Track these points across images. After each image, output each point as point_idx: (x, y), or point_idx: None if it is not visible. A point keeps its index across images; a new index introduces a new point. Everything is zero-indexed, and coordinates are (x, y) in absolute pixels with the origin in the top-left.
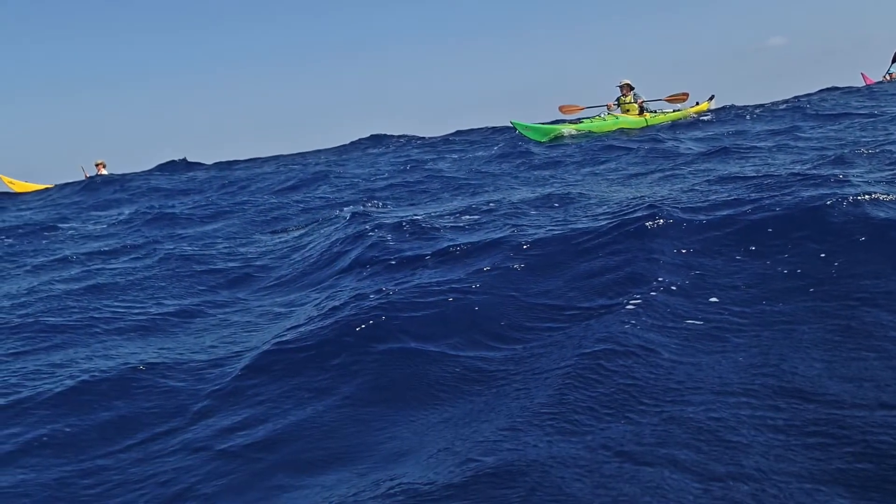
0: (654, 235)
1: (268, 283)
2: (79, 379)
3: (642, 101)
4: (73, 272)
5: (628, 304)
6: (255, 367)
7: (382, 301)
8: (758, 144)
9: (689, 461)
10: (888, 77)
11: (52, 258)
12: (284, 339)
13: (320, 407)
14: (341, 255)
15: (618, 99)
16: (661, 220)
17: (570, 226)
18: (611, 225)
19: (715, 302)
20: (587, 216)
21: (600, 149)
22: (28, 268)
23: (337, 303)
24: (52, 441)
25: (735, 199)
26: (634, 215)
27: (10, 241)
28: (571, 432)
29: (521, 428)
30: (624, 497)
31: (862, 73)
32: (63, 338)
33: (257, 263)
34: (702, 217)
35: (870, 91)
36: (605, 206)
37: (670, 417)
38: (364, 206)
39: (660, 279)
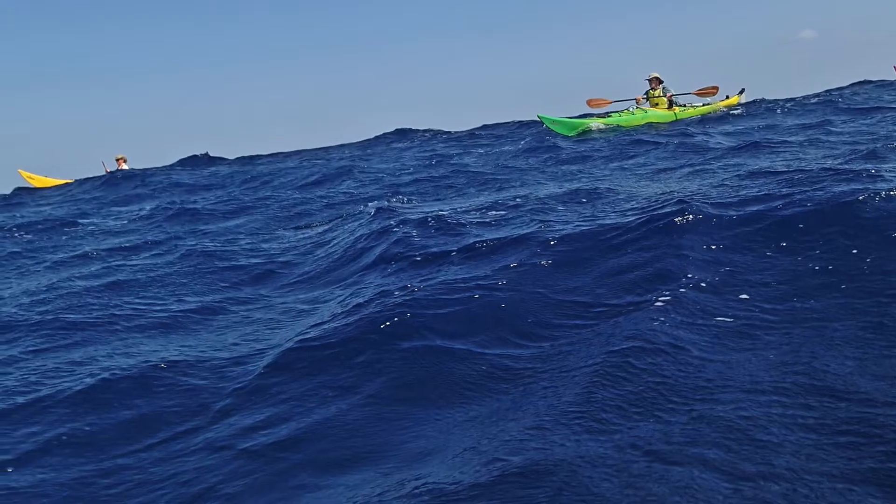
0: (683, 231)
1: (291, 279)
2: (99, 377)
3: (671, 95)
4: (93, 268)
5: (657, 300)
6: (278, 365)
7: (407, 298)
8: (789, 139)
9: (719, 460)
10: None
11: (71, 254)
12: (308, 336)
13: (344, 405)
14: (366, 251)
15: (646, 93)
16: (691, 216)
17: (598, 221)
18: (639, 221)
19: (745, 299)
20: (615, 212)
21: (629, 143)
22: (48, 264)
23: (361, 300)
24: (71, 440)
25: (766, 194)
26: (663, 211)
27: (29, 236)
28: (599, 431)
29: (549, 427)
30: (653, 497)
31: (894, 67)
32: (83, 335)
33: (280, 260)
34: (732, 212)
35: None
36: (634, 202)
37: (700, 416)
38: (389, 201)
39: (689, 275)
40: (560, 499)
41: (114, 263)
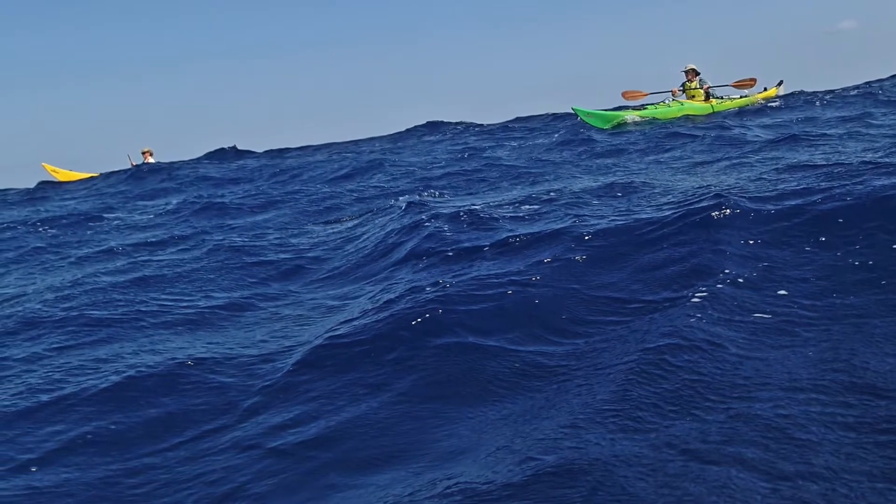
0: (720, 226)
1: (320, 275)
2: (125, 374)
3: (708, 87)
4: (118, 264)
5: (694, 296)
6: (307, 363)
7: (439, 294)
8: (828, 132)
9: (756, 460)
10: None
11: (97, 249)
12: (338, 333)
13: (375, 403)
14: (397, 246)
15: (683, 84)
16: (728, 210)
17: (633, 216)
18: (676, 215)
19: (783, 295)
20: (651, 206)
21: (665, 136)
22: (72, 259)
23: (392, 295)
24: (96, 439)
25: (804, 188)
26: (700, 205)
27: (53, 231)
28: (635, 430)
29: (583, 425)
30: (689, 497)
31: None
32: (108, 332)
33: (309, 255)
34: (770, 207)
35: None
36: (670, 196)
37: (737, 414)
38: (420, 195)
39: (726, 271)
40: (595, 499)
41: (140, 259)
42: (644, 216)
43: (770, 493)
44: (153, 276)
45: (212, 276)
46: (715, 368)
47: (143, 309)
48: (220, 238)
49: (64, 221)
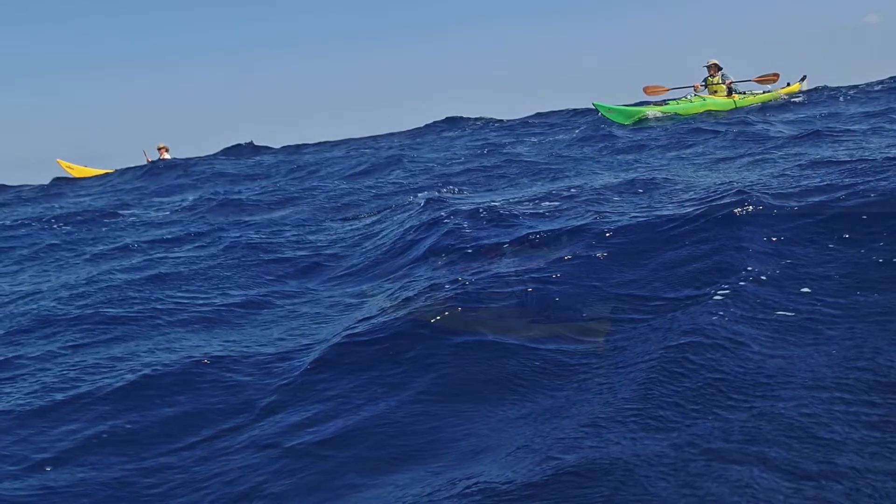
0: (743, 223)
1: (338, 272)
2: (140, 373)
3: (731, 82)
4: (134, 261)
5: (716, 294)
6: (325, 361)
7: (458, 291)
8: (852, 127)
9: (779, 459)
10: None
11: (112, 246)
12: (356, 331)
13: (393, 402)
14: (415, 243)
15: (705, 80)
16: (751, 207)
17: (654, 213)
18: (698, 212)
19: (807, 292)
20: (673, 202)
21: (687, 132)
22: (87, 256)
23: (411, 293)
24: (112, 438)
25: (828, 184)
26: (722, 202)
27: (68, 228)
28: (656, 429)
29: (604, 424)
30: (711, 497)
31: None
32: (124, 330)
33: (327, 252)
34: (793, 203)
35: None
36: (692, 192)
37: (760, 413)
38: (439, 191)
39: (749, 268)
40: (616, 498)
41: (155, 256)
42: (666, 213)
43: (793, 492)
44: (169, 274)
45: (228, 274)
46: (737, 367)
47: (159, 307)
48: (237, 235)
49: (79, 218)
